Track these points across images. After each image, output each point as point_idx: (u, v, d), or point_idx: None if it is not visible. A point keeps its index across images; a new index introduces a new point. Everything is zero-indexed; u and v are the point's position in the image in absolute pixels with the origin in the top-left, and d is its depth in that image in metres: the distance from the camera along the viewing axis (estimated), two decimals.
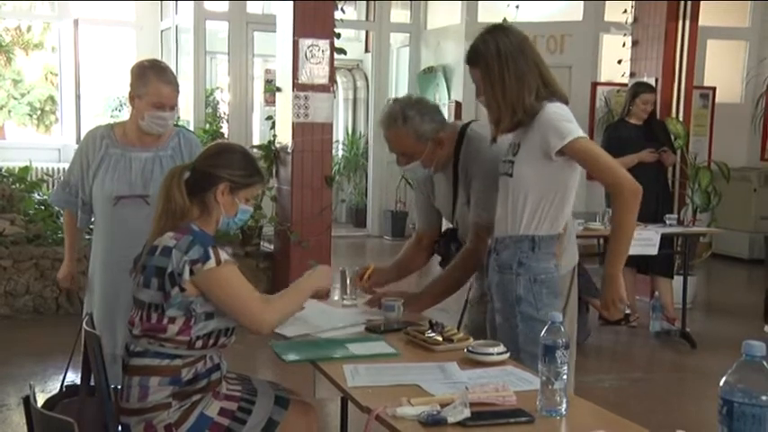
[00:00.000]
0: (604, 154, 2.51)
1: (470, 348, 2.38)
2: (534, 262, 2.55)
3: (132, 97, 3.11)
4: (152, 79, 3.06)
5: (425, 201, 3.16)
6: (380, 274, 3.14)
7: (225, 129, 9.59)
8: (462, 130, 2.93)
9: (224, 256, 2.29)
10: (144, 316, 2.31)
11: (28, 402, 2.12)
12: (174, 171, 2.43)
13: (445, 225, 3.21)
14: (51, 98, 11.12)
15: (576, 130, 2.47)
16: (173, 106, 3.12)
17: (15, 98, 11.14)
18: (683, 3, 7.40)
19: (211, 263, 2.25)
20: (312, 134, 6.50)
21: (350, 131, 11.44)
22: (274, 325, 2.42)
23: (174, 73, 3.22)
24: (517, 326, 2.55)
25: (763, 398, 1.45)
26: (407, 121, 2.80)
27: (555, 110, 2.51)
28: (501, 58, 2.52)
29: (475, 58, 2.58)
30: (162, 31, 10.56)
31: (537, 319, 2.50)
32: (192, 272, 2.24)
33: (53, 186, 8.80)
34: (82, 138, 3.36)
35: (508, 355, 2.40)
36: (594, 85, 9.15)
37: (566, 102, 2.59)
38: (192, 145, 3.25)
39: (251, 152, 2.58)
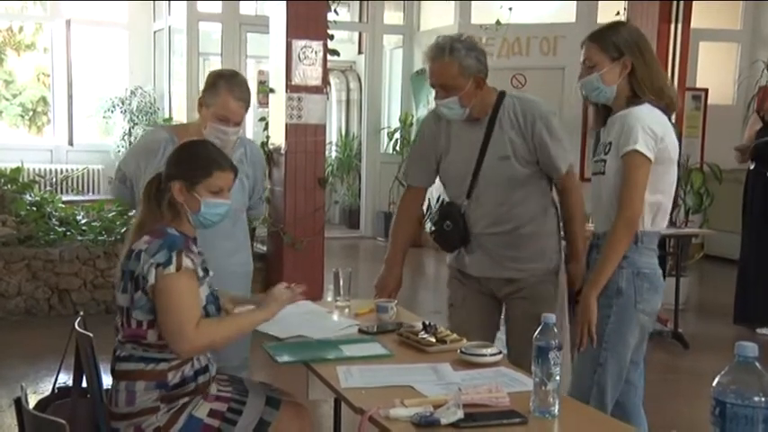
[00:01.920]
0: (640, 183, 2.48)
1: (463, 349, 2.38)
2: (638, 255, 2.54)
3: (200, 104, 3.06)
4: (222, 91, 2.99)
5: (428, 155, 3.09)
6: (395, 277, 3.12)
7: None
8: (501, 92, 2.97)
9: (186, 263, 2.24)
10: (124, 322, 2.30)
11: (19, 404, 2.11)
12: (150, 183, 2.42)
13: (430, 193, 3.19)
14: (43, 99, 11.08)
15: (642, 143, 2.46)
16: (238, 122, 3.04)
17: (7, 99, 11.09)
18: (675, 5, 7.43)
19: (171, 268, 2.22)
20: (305, 135, 6.50)
21: (343, 133, 11.45)
22: (195, 352, 2.31)
23: (249, 89, 3.10)
24: (609, 316, 2.53)
25: (756, 399, 1.45)
26: (453, 53, 2.84)
27: (642, 114, 2.51)
28: (636, 46, 2.57)
29: (602, 40, 2.59)
30: (155, 32, 10.54)
31: (631, 313, 2.54)
32: (156, 275, 2.22)
33: (45, 187, 8.78)
34: (140, 137, 3.32)
35: (501, 356, 2.40)
36: None
37: (665, 107, 2.59)
38: (257, 156, 3.23)
39: (207, 143, 2.51)
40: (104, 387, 2.35)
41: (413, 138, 9.94)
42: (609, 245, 2.51)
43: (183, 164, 2.39)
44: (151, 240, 2.28)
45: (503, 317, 3.10)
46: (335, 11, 6.96)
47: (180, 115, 9.84)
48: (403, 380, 2.18)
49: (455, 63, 2.84)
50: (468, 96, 2.87)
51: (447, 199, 3.11)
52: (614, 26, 2.67)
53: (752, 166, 6.17)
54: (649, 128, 2.48)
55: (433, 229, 3.08)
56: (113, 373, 2.34)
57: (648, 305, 2.58)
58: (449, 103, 2.90)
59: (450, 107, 2.91)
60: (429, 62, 2.91)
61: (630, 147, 2.47)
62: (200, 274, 2.34)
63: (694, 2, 7.68)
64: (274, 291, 2.47)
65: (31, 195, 6.74)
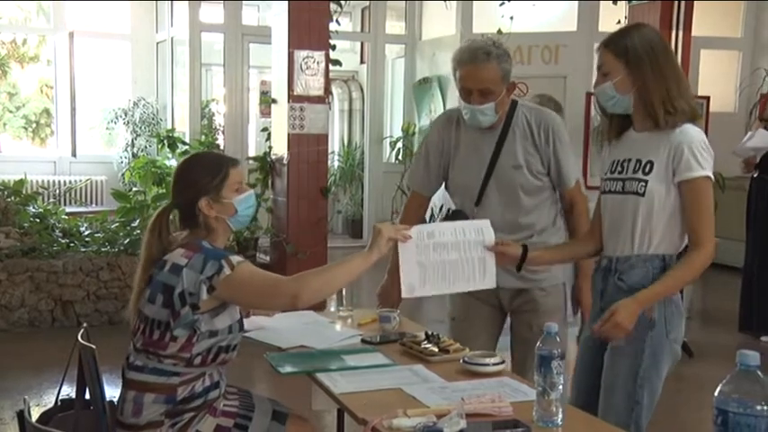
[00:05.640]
0: (712, 210, 2.37)
1: (466, 359, 2.38)
2: None
3: None
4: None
5: (434, 159, 3.04)
6: (398, 287, 3.04)
7: (220, 140, 9.60)
8: (513, 101, 2.95)
9: (236, 259, 2.25)
10: (147, 331, 2.27)
11: (22, 416, 2.11)
12: (159, 216, 2.37)
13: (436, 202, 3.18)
14: (47, 111, 11.10)
15: (708, 168, 2.34)
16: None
17: (10, 111, 11.12)
18: (676, 12, 7.44)
19: (226, 270, 2.21)
20: (308, 145, 6.51)
21: (345, 142, 11.46)
22: (307, 300, 2.23)
23: None
24: (643, 351, 2.38)
25: (758, 407, 1.45)
26: (497, 58, 2.80)
27: (693, 131, 2.36)
28: (651, 52, 2.39)
29: (617, 46, 2.42)
30: (157, 44, 10.57)
31: (664, 344, 2.40)
32: (211, 288, 2.21)
33: (48, 199, 8.78)
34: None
35: (504, 365, 2.40)
36: (589, 95, 9.16)
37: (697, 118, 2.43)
38: None
39: (204, 151, 2.53)
40: (107, 399, 2.35)
41: (416, 147, 9.97)
42: (680, 276, 2.36)
43: (197, 180, 2.36)
44: (190, 255, 2.25)
45: (506, 327, 3.09)
46: (337, 21, 6.99)
47: (182, 126, 9.86)
48: (389, 383, 2.23)
49: (498, 68, 2.80)
50: (501, 103, 2.85)
51: (453, 207, 3.06)
52: (627, 30, 2.47)
53: (756, 174, 6.16)
54: (705, 144, 2.35)
55: None
56: (124, 378, 2.33)
57: (677, 332, 2.43)
58: (485, 109, 2.83)
59: (486, 113, 2.84)
60: (468, 65, 2.81)
61: (701, 172, 2.33)
62: None
63: (695, 10, 7.68)
64: (380, 227, 2.46)
65: (34, 207, 6.76)
